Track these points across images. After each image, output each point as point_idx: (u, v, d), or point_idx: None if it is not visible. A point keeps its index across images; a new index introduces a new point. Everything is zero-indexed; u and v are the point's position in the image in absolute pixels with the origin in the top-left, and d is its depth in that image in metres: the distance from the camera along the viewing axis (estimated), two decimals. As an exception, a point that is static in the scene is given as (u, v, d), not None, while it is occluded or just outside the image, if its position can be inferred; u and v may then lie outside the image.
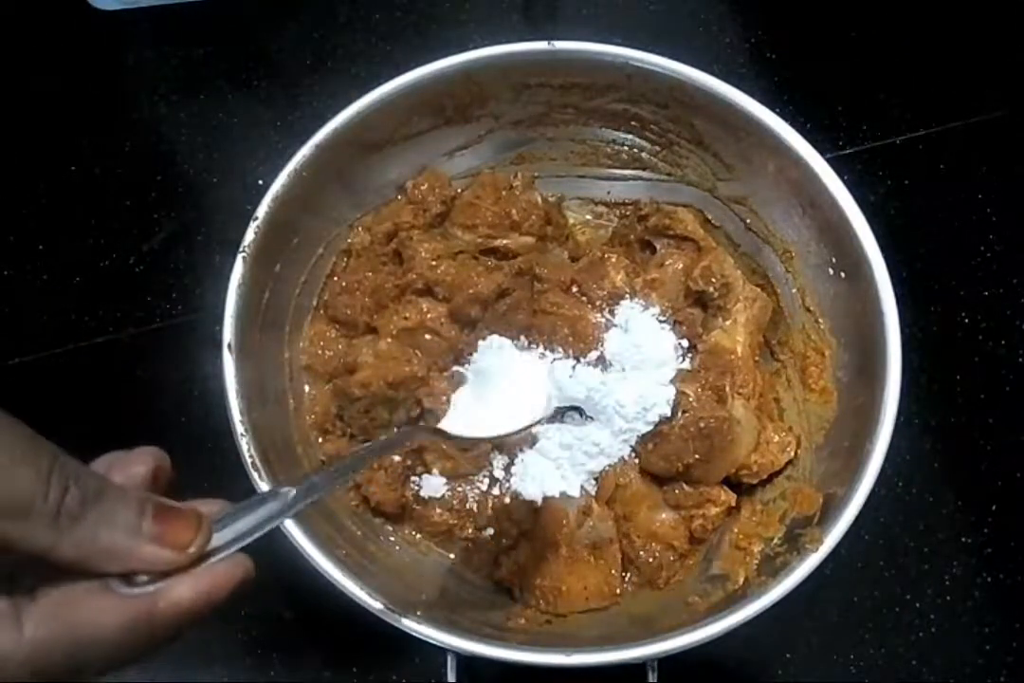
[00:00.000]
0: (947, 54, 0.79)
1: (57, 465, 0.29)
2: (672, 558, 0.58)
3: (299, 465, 0.58)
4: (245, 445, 0.52)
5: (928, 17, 0.80)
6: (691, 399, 0.58)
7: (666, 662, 0.53)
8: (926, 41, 0.79)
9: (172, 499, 0.34)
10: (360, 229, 0.64)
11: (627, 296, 0.61)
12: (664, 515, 0.59)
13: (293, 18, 0.79)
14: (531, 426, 0.56)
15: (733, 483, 0.60)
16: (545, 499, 0.58)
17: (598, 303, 0.61)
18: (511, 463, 0.60)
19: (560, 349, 0.59)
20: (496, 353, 0.58)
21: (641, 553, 0.58)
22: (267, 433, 0.54)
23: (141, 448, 0.36)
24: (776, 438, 0.59)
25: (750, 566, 0.55)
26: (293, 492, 0.39)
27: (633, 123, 0.63)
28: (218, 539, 0.34)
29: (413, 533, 0.61)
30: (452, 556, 0.60)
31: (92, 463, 0.35)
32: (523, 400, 0.56)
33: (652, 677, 0.54)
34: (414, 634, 0.49)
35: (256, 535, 0.35)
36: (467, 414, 0.55)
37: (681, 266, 0.62)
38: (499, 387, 0.57)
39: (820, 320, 0.60)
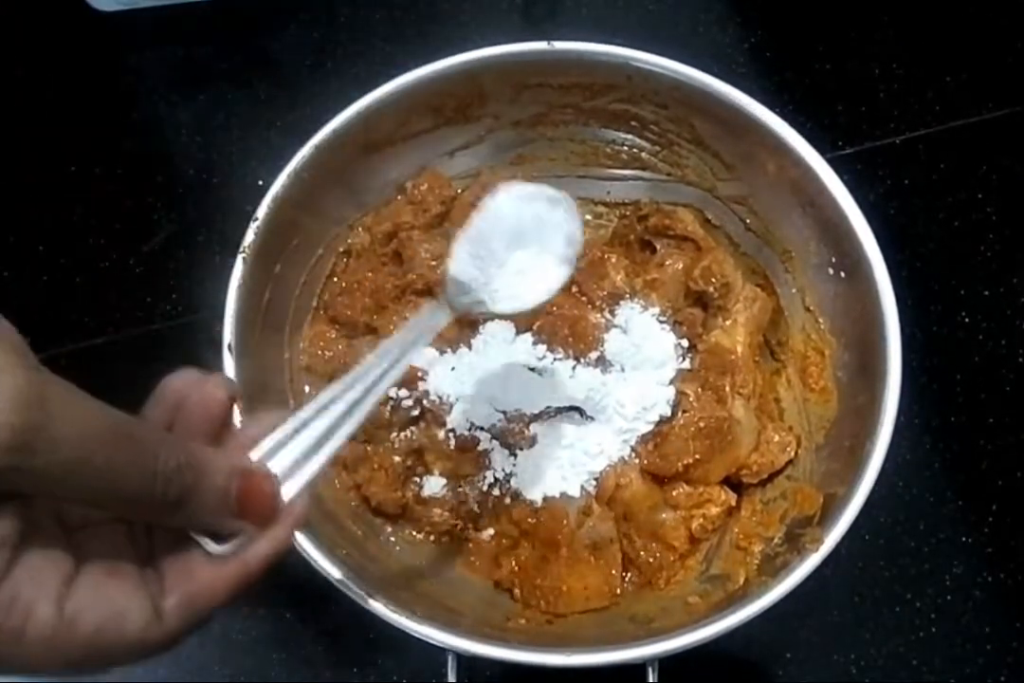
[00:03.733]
0: (947, 54, 0.79)
1: (160, 461, 0.30)
2: (672, 558, 0.58)
3: (299, 465, 0.58)
4: (245, 445, 0.52)
5: (928, 17, 0.80)
6: (691, 399, 0.58)
7: (666, 662, 0.53)
8: (926, 41, 0.79)
9: None
10: (360, 229, 0.64)
11: (627, 296, 0.61)
12: (664, 515, 0.59)
13: (293, 18, 0.79)
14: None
15: (733, 483, 0.60)
16: (545, 499, 0.58)
17: (598, 303, 0.61)
18: (511, 463, 0.60)
19: (560, 349, 0.59)
20: None
21: (641, 553, 0.58)
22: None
23: (217, 374, 0.36)
24: (776, 438, 0.59)
25: (750, 566, 0.55)
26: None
27: (633, 123, 0.63)
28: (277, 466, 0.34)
29: (413, 533, 0.61)
30: (452, 556, 0.60)
31: (168, 379, 0.36)
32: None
33: (652, 677, 0.54)
34: (414, 634, 0.49)
35: (318, 464, 0.35)
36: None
37: (681, 266, 0.62)
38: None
39: (820, 320, 0.60)
